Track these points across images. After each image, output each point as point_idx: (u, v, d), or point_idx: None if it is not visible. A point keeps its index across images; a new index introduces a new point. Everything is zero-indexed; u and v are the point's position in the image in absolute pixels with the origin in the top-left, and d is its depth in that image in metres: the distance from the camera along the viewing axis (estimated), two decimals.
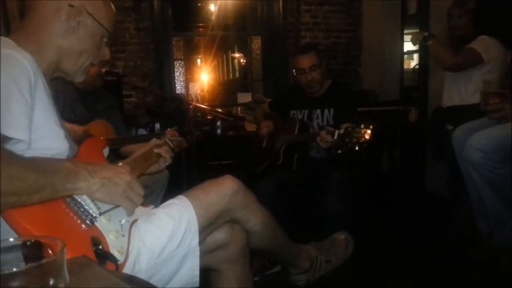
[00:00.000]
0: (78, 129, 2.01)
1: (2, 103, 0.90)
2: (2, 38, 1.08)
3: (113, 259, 0.96)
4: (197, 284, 1.25)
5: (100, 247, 0.95)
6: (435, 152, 3.15)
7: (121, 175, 1.05)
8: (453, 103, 2.76)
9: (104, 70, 2.26)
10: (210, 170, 3.60)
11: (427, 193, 3.50)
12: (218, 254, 1.35)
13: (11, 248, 0.56)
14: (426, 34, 2.65)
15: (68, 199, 0.97)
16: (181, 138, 1.95)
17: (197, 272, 1.23)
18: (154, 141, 1.66)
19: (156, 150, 1.56)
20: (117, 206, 1.05)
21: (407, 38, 4.67)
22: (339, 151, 2.02)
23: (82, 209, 0.98)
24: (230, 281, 1.37)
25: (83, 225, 0.96)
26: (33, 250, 0.54)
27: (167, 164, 1.62)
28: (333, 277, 1.86)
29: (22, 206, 0.85)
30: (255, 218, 1.43)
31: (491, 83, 1.98)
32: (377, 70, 4.70)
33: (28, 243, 0.55)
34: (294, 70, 2.54)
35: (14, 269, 0.48)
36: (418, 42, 2.75)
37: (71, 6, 1.13)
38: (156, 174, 1.71)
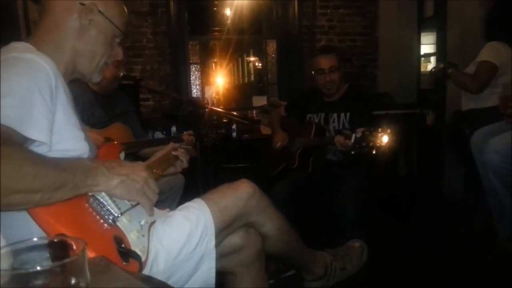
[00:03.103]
0: (98, 137, 2.04)
1: (25, 106, 0.93)
2: (22, 42, 1.11)
3: (137, 257, 0.98)
4: (213, 286, 1.26)
5: (123, 245, 0.97)
6: (457, 156, 3.12)
7: (138, 172, 1.06)
8: (469, 107, 2.75)
9: (122, 74, 2.29)
10: (225, 173, 3.61)
11: (444, 197, 3.45)
12: (234, 257, 1.36)
13: (34, 247, 0.57)
14: (442, 65, 2.66)
15: (90, 199, 0.99)
16: (190, 147, 2.01)
17: (213, 275, 1.24)
18: (172, 144, 1.70)
19: (174, 153, 1.61)
20: (136, 204, 1.07)
21: (424, 40, 4.64)
22: (353, 152, 2.01)
23: (104, 209, 1.00)
24: (246, 284, 1.37)
25: (106, 224, 0.98)
26: (58, 250, 0.56)
27: (183, 167, 1.65)
28: (347, 284, 1.85)
29: (46, 205, 0.87)
30: (270, 222, 1.44)
31: (510, 87, 1.95)
32: (394, 73, 4.66)
33: (53, 242, 0.57)
34: (313, 71, 2.54)
35: (38, 268, 0.49)
36: (439, 75, 2.77)
37: (82, 4, 1.15)
38: (173, 175, 1.75)
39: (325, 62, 2.45)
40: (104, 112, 2.31)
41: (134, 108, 2.63)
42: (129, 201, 1.07)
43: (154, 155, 1.60)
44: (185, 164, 1.66)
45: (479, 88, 2.60)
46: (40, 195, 0.84)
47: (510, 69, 2.52)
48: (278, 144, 2.65)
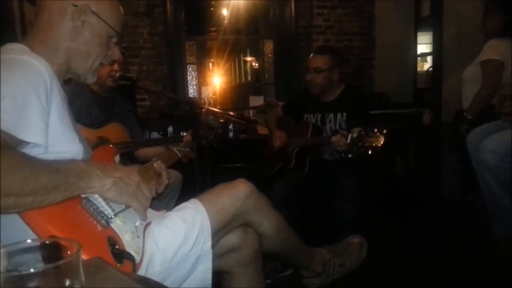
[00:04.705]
0: (91, 135, 2.04)
1: (21, 109, 0.92)
2: (17, 44, 1.11)
3: (131, 258, 0.98)
4: (210, 287, 1.25)
5: (117, 247, 0.97)
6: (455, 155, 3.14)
7: (131, 176, 1.06)
8: (467, 105, 2.72)
9: (118, 74, 2.29)
10: (222, 173, 3.60)
11: (441, 196, 3.45)
12: (231, 257, 1.35)
13: (28, 249, 0.57)
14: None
15: (83, 201, 0.99)
16: (188, 149, 1.99)
17: (210, 275, 1.24)
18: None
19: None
20: (128, 206, 1.06)
21: (420, 40, 4.66)
22: (350, 155, 2.01)
23: (97, 211, 1.00)
24: (243, 284, 1.37)
25: (99, 226, 0.98)
26: (51, 251, 0.56)
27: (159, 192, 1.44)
28: (346, 281, 1.85)
29: (39, 207, 0.87)
30: (268, 221, 1.43)
31: (509, 86, 1.96)
32: (390, 73, 4.68)
33: (46, 244, 0.57)
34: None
35: (32, 270, 0.49)
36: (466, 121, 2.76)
37: (75, 5, 1.14)
38: (159, 196, 1.56)
39: (313, 61, 2.47)
40: (102, 112, 2.31)
41: (132, 109, 2.62)
42: None
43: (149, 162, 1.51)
44: (161, 190, 1.43)
45: (492, 88, 2.54)
46: (32, 198, 0.84)
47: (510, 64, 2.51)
48: (277, 143, 2.65)
